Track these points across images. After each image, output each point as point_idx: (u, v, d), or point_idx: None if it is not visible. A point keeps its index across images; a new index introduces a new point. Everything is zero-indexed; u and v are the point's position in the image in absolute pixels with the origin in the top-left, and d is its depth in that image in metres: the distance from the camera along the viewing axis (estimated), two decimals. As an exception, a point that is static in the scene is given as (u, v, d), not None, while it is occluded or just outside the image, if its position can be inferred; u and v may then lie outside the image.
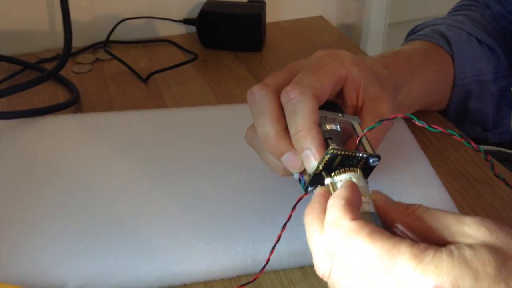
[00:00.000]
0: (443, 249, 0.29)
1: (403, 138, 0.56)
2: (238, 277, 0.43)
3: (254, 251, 0.43)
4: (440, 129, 0.35)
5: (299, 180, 0.41)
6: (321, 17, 0.88)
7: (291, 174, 0.42)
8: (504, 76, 0.63)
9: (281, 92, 0.41)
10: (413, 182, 0.50)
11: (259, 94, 0.42)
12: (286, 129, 0.40)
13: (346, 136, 0.42)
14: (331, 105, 0.42)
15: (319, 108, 0.41)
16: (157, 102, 0.65)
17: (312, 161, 0.38)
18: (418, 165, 0.52)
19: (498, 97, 0.63)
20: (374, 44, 0.93)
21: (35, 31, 0.76)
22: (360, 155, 0.37)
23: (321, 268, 0.33)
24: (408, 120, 0.59)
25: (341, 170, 0.37)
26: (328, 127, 0.41)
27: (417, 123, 0.35)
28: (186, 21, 0.80)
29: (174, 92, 0.67)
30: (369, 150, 0.38)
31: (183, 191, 0.48)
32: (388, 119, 0.37)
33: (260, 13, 0.76)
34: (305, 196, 0.39)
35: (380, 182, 0.49)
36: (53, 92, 0.67)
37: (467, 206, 0.50)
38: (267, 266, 0.43)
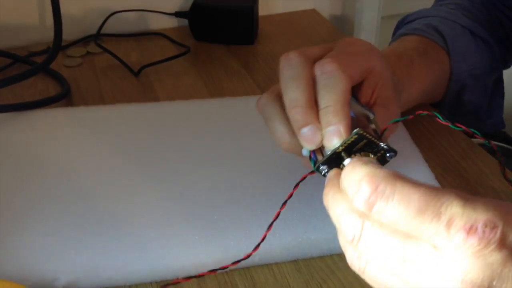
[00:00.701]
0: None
1: (396, 132, 0.56)
2: (231, 271, 0.43)
3: (247, 244, 0.43)
4: (463, 128, 0.35)
5: (310, 158, 0.39)
6: (313, 10, 0.88)
7: (294, 151, 0.40)
8: (498, 67, 0.63)
9: (316, 64, 0.39)
10: (406, 175, 0.50)
11: (296, 60, 0.40)
12: (315, 101, 0.39)
13: (356, 126, 0.41)
14: (354, 96, 0.42)
15: None
16: (149, 95, 0.65)
17: (335, 139, 0.37)
18: (411, 158, 0.52)
19: (491, 89, 0.63)
20: (367, 37, 0.93)
21: (25, 24, 0.75)
22: (383, 145, 0.36)
23: (350, 232, 0.30)
24: (401, 113, 0.59)
25: (360, 154, 0.36)
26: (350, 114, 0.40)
27: (441, 121, 0.35)
28: (178, 14, 0.79)
29: (166, 85, 0.67)
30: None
31: (175, 185, 0.48)
32: (413, 115, 0.36)
33: (252, 6, 0.76)
34: (308, 178, 0.38)
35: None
36: (43, 85, 0.66)
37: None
38: (259, 260, 0.43)
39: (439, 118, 0.35)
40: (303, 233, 0.43)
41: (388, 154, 0.37)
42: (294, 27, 0.83)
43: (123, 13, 0.77)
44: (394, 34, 0.67)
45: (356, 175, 0.30)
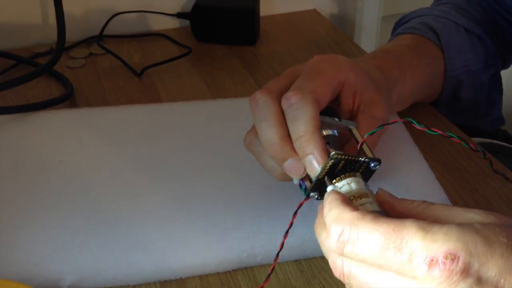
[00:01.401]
0: (451, 223, 0.29)
1: (396, 131, 0.56)
2: (234, 270, 0.43)
3: (249, 244, 0.43)
4: (440, 132, 0.35)
5: (300, 185, 0.41)
6: (314, 10, 0.88)
7: (288, 179, 0.42)
8: (493, 64, 0.63)
9: (282, 98, 0.41)
10: (406, 174, 0.50)
11: (262, 100, 0.41)
12: (289, 135, 0.40)
13: (343, 140, 0.43)
14: (328, 110, 0.43)
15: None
16: (152, 96, 0.65)
17: (315, 166, 0.38)
18: (411, 157, 0.53)
19: (488, 85, 0.63)
20: (368, 37, 0.93)
21: (28, 25, 0.76)
22: (362, 159, 0.37)
23: (337, 269, 0.32)
24: (401, 114, 0.60)
25: (342, 176, 0.37)
26: (326, 132, 0.41)
27: (417, 127, 0.35)
28: (180, 15, 0.79)
29: (168, 86, 0.67)
30: (369, 154, 0.39)
31: (178, 185, 0.49)
32: (388, 124, 0.37)
33: (253, 6, 0.76)
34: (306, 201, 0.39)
35: (373, 175, 0.49)
36: (47, 86, 0.67)
37: (459, 198, 0.50)
38: (261, 260, 0.43)
39: (415, 124, 0.35)
40: (306, 233, 0.44)
41: (372, 165, 0.38)
42: (295, 27, 0.83)
43: (125, 14, 0.78)
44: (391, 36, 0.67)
45: (329, 218, 0.32)
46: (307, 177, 0.40)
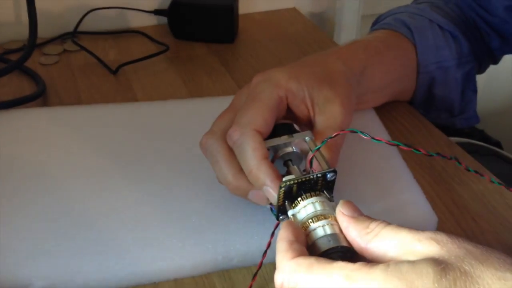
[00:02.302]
0: (380, 264, 0.29)
1: (375, 131, 0.56)
2: (209, 274, 0.42)
3: (225, 247, 0.42)
4: (384, 141, 0.36)
5: (271, 209, 0.42)
6: (294, 8, 0.87)
7: (241, 193, 0.43)
8: (467, 62, 0.63)
9: (227, 137, 0.42)
10: (384, 175, 0.50)
11: (208, 144, 0.44)
12: (242, 169, 0.42)
13: (305, 153, 0.43)
14: (283, 126, 0.43)
15: (269, 137, 0.42)
16: (127, 94, 0.64)
17: (273, 194, 0.39)
18: (390, 157, 0.53)
19: (462, 83, 0.63)
20: (348, 36, 0.93)
21: (0, 21, 0.74)
22: (314, 176, 0.38)
23: None
24: (379, 112, 0.60)
25: (302, 197, 0.37)
26: (285, 150, 0.42)
27: (362, 136, 0.36)
28: (157, 12, 0.78)
29: (144, 84, 0.66)
30: (324, 166, 0.39)
31: (152, 187, 0.48)
32: (331, 137, 0.38)
33: (232, 4, 0.75)
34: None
35: (351, 177, 0.49)
36: (18, 84, 0.65)
37: (437, 198, 0.50)
38: (238, 263, 0.42)
39: (359, 134, 0.36)
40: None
41: (328, 176, 0.38)
42: (274, 26, 0.82)
43: (101, 10, 0.76)
44: None
45: (276, 258, 0.34)
46: None
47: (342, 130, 0.37)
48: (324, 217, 0.35)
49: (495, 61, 0.68)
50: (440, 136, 0.59)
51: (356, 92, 0.51)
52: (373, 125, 0.57)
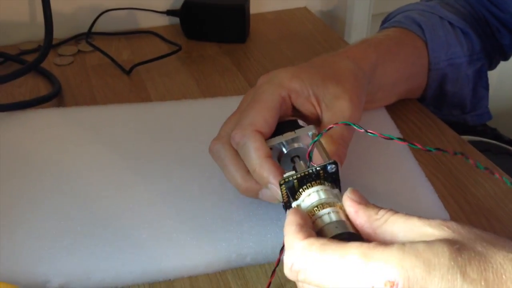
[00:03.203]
0: (395, 244, 0.29)
1: (386, 129, 0.56)
2: (223, 272, 0.43)
3: (238, 245, 0.43)
4: (378, 134, 0.36)
5: (283, 206, 0.41)
6: (305, 8, 0.88)
7: (251, 194, 0.44)
8: (478, 59, 0.63)
9: (230, 139, 0.43)
10: (396, 174, 0.50)
11: (215, 149, 0.45)
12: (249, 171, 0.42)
13: (304, 152, 0.43)
14: (287, 124, 0.44)
15: (274, 135, 0.43)
16: (141, 94, 0.65)
17: (278, 191, 0.39)
18: (401, 156, 0.53)
19: (473, 80, 0.63)
20: (358, 35, 0.93)
21: (15, 22, 0.75)
22: (314, 169, 0.37)
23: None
24: (390, 111, 0.60)
25: (303, 187, 0.37)
26: (290, 147, 0.42)
27: (357, 129, 0.36)
28: (169, 12, 0.79)
29: (157, 84, 0.67)
30: (324, 159, 0.39)
31: (166, 186, 0.48)
32: (326, 130, 0.38)
33: (244, 4, 0.75)
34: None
35: (362, 175, 0.49)
36: (34, 84, 0.66)
37: (450, 197, 0.50)
38: (251, 260, 0.43)
39: (355, 127, 0.36)
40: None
41: (328, 168, 0.37)
42: (285, 25, 0.83)
43: (114, 11, 0.77)
44: None
45: (285, 242, 0.33)
46: None
47: (336, 123, 0.38)
48: (329, 204, 0.35)
49: (506, 57, 0.67)
50: (452, 135, 0.59)
51: (367, 90, 0.51)
52: (385, 124, 0.57)
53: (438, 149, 0.35)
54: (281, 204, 0.42)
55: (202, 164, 0.50)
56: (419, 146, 0.35)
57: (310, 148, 0.39)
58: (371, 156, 0.51)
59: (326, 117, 0.45)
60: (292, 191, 0.38)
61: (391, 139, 0.35)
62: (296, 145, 0.43)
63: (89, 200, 0.47)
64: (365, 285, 0.29)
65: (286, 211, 0.40)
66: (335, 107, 0.45)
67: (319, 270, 0.30)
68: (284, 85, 0.45)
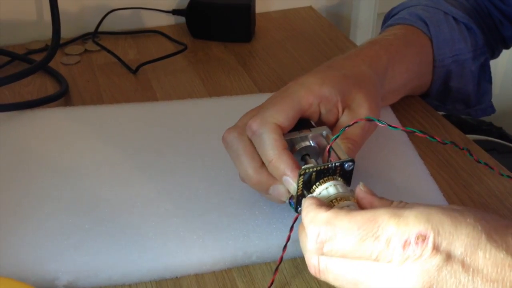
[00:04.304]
0: (421, 204, 0.32)
1: (391, 130, 0.56)
2: (230, 269, 0.43)
3: (245, 243, 0.43)
4: (400, 128, 0.37)
5: (289, 203, 0.42)
6: (310, 7, 0.88)
7: (261, 188, 0.43)
8: (482, 53, 0.63)
9: (246, 128, 0.42)
10: (401, 172, 0.51)
11: (230, 138, 0.43)
12: (263, 164, 0.42)
13: (322, 148, 0.44)
14: (300, 122, 0.44)
15: (289, 131, 0.43)
16: (147, 93, 0.65)
17: (292, 184, 0.40)
18: (406, 155, 0.53)
19: (478, 74, 0.63)
20: (363, 34, 0.93)
21: (23, 21, 0.75)
22: (333, 165, 0.38)
23: (311, 267, 0.34)
24: (395, 110, 0.60)
25: (320, 181, 0.38)
26: (302, 144, 0.43)
27: (379, 124, 0.37)
28: (175, 12, 0.79)
29: (163, 83, 0.67)
30: (342, 156, 0.40)
31: (173, 184, 0.49)
32: (349, 126, 0.39)
33: (249, 3, 0.76)
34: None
35: (366, 172, 0.49)
36: (41, 83, 0.67)
37: (454, 196, 0.51)
38: (257, 259, 0.43)
39: (376, 122, 0.37)
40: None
41: (346, 165, 0.38)
42: (291, 24, 0.83)
43: (120, 11, 0.78)
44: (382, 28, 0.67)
45: (306, 221, 0.34)
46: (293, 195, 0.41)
47: (360, 118, 0.38)
48: (347, 198, 0.36)
49: (507, 46, 0.67)
50: (458, 134, 0.59)
51: (380, 94, 0.51)
52: (389, 121, 0.57)
53: (452, 142, 0.38)
54: (288, 202, 0.42)
55: (209, 163, 0.51)
56: (438, 139, 0.37)
57: (330, 144, 0.39)
58: (374, 154, 0.52)
59: (343, 120, 0.46)
60: (307, 185, 0.38)
61: (413, 132, 0.36)
62: (307, 143, 0.43)
63: (96, 198, 0.47)
64: (397, 242, 0.30)
65: (294, 207, 0.40)
66: (356, 113, 0.46)
67: (348, 236, 0.31)
68: (314, 92, 0.45)
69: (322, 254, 0.33)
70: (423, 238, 0.30)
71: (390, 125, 0.36)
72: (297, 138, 0.43)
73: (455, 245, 0.30)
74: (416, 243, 0.30)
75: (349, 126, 0.38)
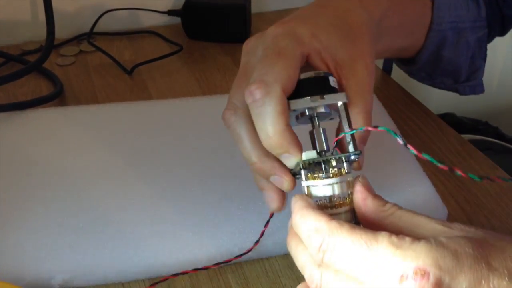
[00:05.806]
0: (421, 238, 0.30)
1: (381, 120, 0.56)
2: (223, 267, 0.43)
3: (240, 239, 0.43)
4: (416, 153, 0.32)
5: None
6: (306, 7, 0.88)
7: (264, 175, 0.40)
8: (482, 26, 0.61)
9: (245, 92, 0.37)
10: (397, 172, 0.51)
11: (231, 121, 0.40)
12: (268, 153, 0.38)
13: (335, 110, 0.39)
14: (311, 82, 0.38)
15: (296, 93, 0.37)
16: (142, 94, 0.65)
17: (292, 160, 0.37)
18: (401, 155, 0.53)
19: (473, 48, 0.61)
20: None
21: (17, 22, 0.75)
22: (337, 157, 0.36)
23: (313, 282, 0.32)
24: (390, 109, 0.60)
25: (321, 175, 0.35)
26: (313, 110, 0.37)
27: (398, 140, 0.33)
28: (170, 12, 0.79)
29: (159, 84, 0.67)
30: (351, 148, 0.36)
31: (168, 182, 0.49)
32: (362, 129, 0.37)
33: (245, 4, 0.76)
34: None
35: (362, 173, 0.49)
36: (36, 84, 0.67)
37: (450, 196, 0.51)
38: (254, 255, 0.43)
39: (397, 137, 0.33)
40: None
41: (352, 157, 0.36)
42: (286, 25, 0.83)
43: (116, 11, 0.77)
44: None
45: (304, 227, 0.32)
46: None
47: (372, 128, 0.35)
48: (343, 204, 0.34)
49: (503, 31, 0.64)
50: (453, 134, 0.59)
51: (376, 44, 0.46)
52: (384, 123, 0.57)
53: (486, 177, 0.35)
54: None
55: (203, 161, 0.51)
56: (460, 173, 0.33)
57: (339, 137, 0.37)
58: (367, 151, 0.51)
59: (350, 86, 0.40)
60: (313, 168, 0.36)
61: (431, 162, 0.33)
62: (319, 109, 0.37)
63: (91, 198, 0.47)
64: (394, 273, 0.29)
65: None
66: (355, 73, 0.41)
67: (348, 252, 0.30)
68: (304, 43, 0.39)
69: (322, 263, 0.31)
70: (422, 273, 0.28)
71: (406, 145, 0.33)
72: (310, 106, 0.37)
73: (458, 280, 0.28)
74: (414, 279, 0.28)
75: (352, 132, 0.36)
